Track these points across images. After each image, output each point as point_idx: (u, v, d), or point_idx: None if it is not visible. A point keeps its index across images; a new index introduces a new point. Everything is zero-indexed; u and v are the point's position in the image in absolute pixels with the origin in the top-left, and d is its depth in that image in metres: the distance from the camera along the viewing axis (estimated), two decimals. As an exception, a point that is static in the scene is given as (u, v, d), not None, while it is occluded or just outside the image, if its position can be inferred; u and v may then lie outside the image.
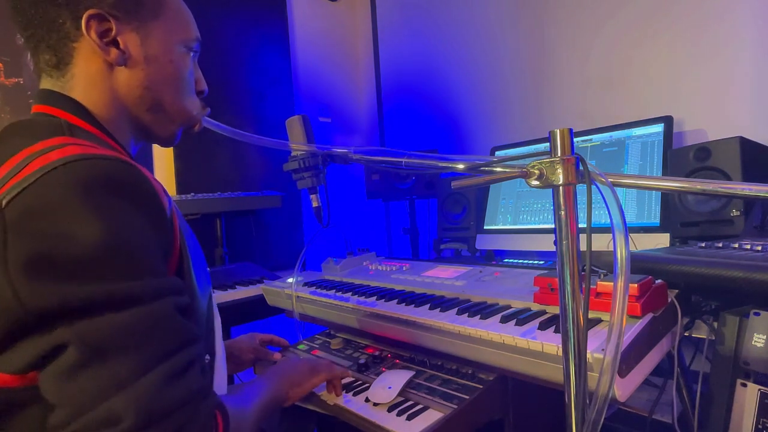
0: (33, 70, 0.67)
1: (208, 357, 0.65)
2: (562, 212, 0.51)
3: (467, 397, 0.85)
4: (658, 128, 1.32)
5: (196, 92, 0.77)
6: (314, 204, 0.95)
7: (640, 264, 0.81)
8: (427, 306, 0.98)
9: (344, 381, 1.00)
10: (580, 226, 0.51)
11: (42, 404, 0.51)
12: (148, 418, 0.47)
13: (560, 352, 0.69)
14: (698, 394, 0.83)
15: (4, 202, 0.48)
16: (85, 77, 0.65)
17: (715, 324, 0.77)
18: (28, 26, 0.64)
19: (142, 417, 0.47)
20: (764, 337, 0.68)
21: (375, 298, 1.09)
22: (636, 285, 0.72)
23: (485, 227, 1.66)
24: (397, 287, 1.17)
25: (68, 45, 0.63)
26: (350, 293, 1.17)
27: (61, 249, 0.47)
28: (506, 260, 1.53)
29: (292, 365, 0.93)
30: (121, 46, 0.65)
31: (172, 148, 1.87)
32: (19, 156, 0.53)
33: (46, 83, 0.66)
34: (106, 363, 0.48)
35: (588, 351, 0.57)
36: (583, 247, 0.51)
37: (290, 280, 1.36)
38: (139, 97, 0.68)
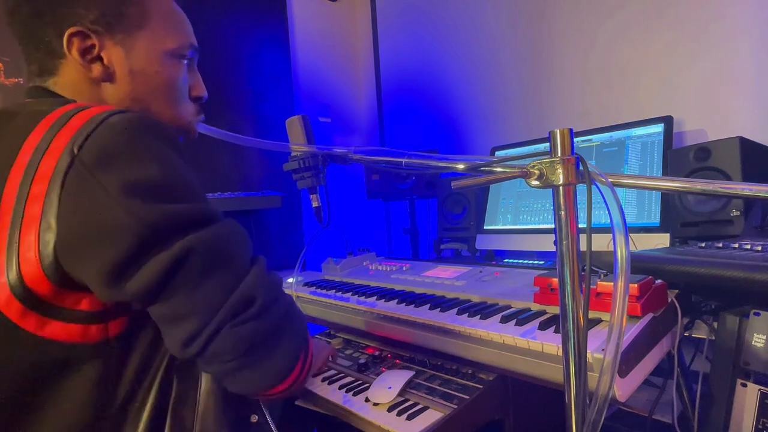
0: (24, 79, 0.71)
1: None
2: (562, 212, 0.51)
3: (467, 397, 0.85)
4: (658, 128, 1.32)
5: (193, 98, 0.77)
6: (314, 204, 0.95)
7: (640, 264, 0.81)
8: (427, 306, 0.98)
9: (344, 381, 1.00)
10: (580, 226, 0.51)
11: (99, 362, 0.55)
12: (273, 292, 0.58)
13: (560, 352, 0.70)
14: (698, 394, 0.83)
15: (75, 149, 0.51)
16: (71, 87, 0.66)
17: (715, 324, 0.77)
18: (22, 38, 0.66)
19: (269, 292, 0.57)
20: (764, 337, 0.69)
21: (375, 298, 1.09)
22: (636, 285, 0.72)
23: (485, 227, 1.66)
24: (397, 287, 1.17)
25: (54, 61, 0.65)
26: (350, 293, 1.17)
27: (146, 180, 0.53)
28: (506, 260, 1.53)
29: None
30: (105, 61, 0.65)
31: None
32: (53, 115, 0.56)
33: (34, 84, 0.68)
34: (224, 262, 0.55)
35: (588, 351, 0.57)
36: (583, 247, 0.51)
37: (290, 280, 1.36)
38: (127, 108, 0.67)
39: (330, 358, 1.04)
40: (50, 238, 0.50)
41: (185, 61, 0.73)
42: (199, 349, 0.54)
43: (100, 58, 0.65)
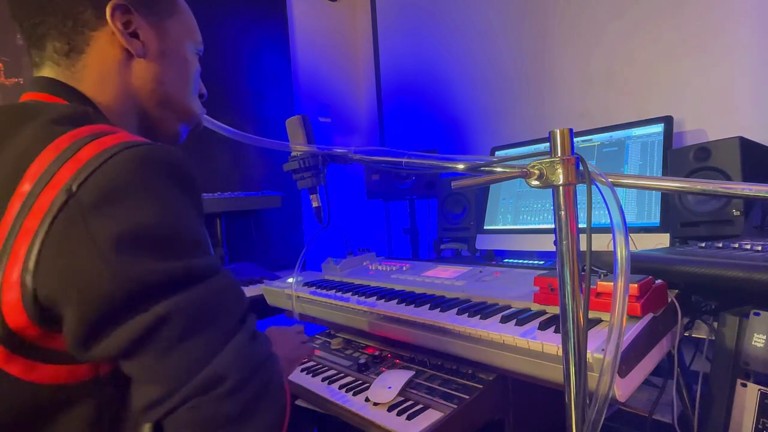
0: (32, 62, 0.65)
1: None
2: (562, 212, 0.51)
3: (467, 397, 0.85)
4: (658, 128, 1.32)
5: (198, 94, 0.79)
6: (314, 204, 0.95)
7: (640, 264, 0.81)
8: (427, 306, 0.98)
9: (344, 381, 1.00)
10: (580, 226, 0.51)
11: (91, 402, 0.52)
12: (248, 372, 0.51)
13: (560, 352, 0.70)
14: (698, 394, 0.83)
15: (74, 187, 0.48)
16: (99, 68, 0.64)
17: (715, 324, 0.77)
18: (39, 12, 0.62)
19: (243, 372, 0.50)
20: (764, 337, 0.69)
21: (375, 298, 1.09)
22: (636, 285, 0.72)
23: (485, 227, 1.66)
24: (397, 287, 1.17)
25: (85, 33, 0.63)
26: (350, 293, 1.17)
27: (142, 229, 0.49)
28: (506, 260, 1.53)
29: (283, 347, 0.88)
30: (141, 38, 0.66)
31: (172, 148, 1.87)
32: (63, 140, 0.52)
33: (49, 71, 0.64)
34: (202, 331, 0.50)
35: (588, 351, 0.57)
36: (583, 247, 0.51)
37: (290, 280, 1.36)
38: (151, 90, 0.68)
39: (306, 358, 0.98)
40: (29, 281, 0.47)
41: (198, 57, 0.76)
42: (159, 417, 0.49)
43: (136, 35, 0.65)
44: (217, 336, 0.51)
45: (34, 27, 0.63)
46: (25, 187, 0.49)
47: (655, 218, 1.25)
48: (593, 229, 0.49)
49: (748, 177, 1.05)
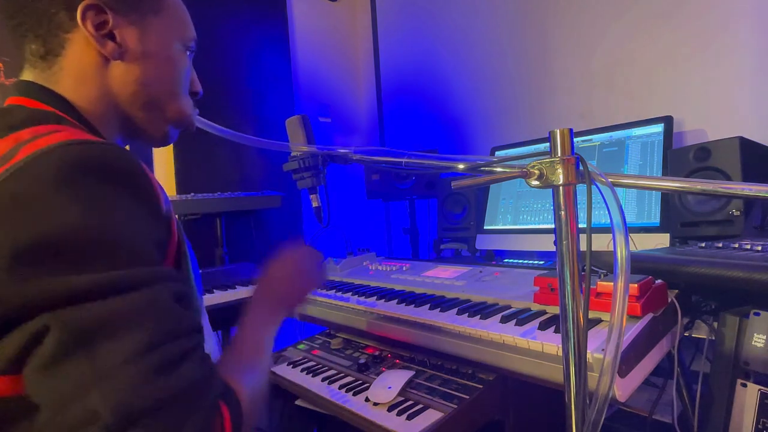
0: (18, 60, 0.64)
1: None
2: (562, 212, 0.51)
3: (467, 397, 0.85)
4: (658, 128, 1.32)
5: (191, 93, 0.75)
6: (314, 204, 0.95)
7: (640, 264, 0.81)
8: (427, 306, 0.98)
9: (344, 381, 1.00)
10: (580, 226, 0.51)
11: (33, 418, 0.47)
12: (127, 417, 0.42)
13: (560, 352, 0.70)
14: (698, 394, 0.83)
15: None
16: (76, 70, 0.62)
17: (715, 324, 0.77)
18: (16, 14, 0.60)
19: (120, 415, 0.42)
20: (764, 337, 0.68)
21: (375, 298, 1.09)
22: (636, 285, 0.72)
23: (485, 227, 1.66)
24: (397, 287, 1.17)
25: (60, 36, 0.60)
26: (350, 293, 1.17)
27: (45, 238, 0.44)
28: (506, 260, 1.53)
29: (284, 283, 0.81)
30: (118, 39, 0.62)
31: (172, 148, 1.87)
32: (7, 143, 0.50)
33: (28, 74, 0.62)
34: (87, 353, 0.43)
35: (588, 351, 0.57)
36: (583, 247, 0.51)
37: (290, 280, 1.36)
38: (132, 93, 0.65)
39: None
40: None
41: (189, 54, 0.73)
42: None
43: (112, 36, 0.62)
44: (105, 361, 0.43)
45: (14, 29, 0.62)
46: None
47: (655, 218, 1.25)
48: (593, 229, 0.49)
49: (748, 177, 1.05)
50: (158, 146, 0.77)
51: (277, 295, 0.80)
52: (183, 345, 0.48)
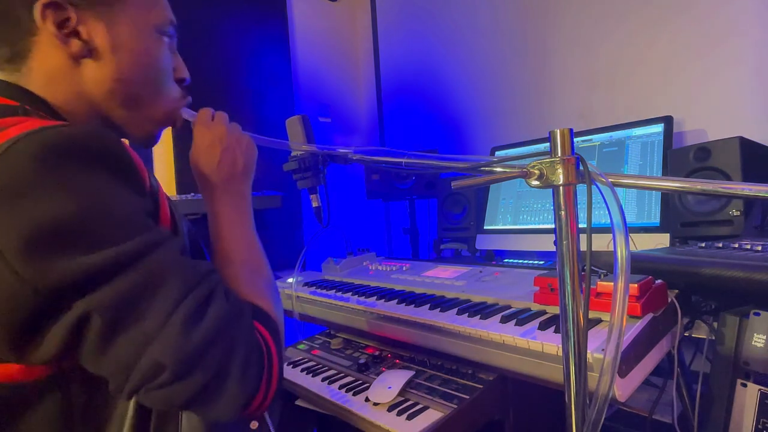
0: None
1: None
2: (562, 212, 0.51)
3: (467, 397, 0.85)
4: (658, 128, 1.32)
5: (177, 80, 0.71)
6: (314, 204, 0.95)
7: (640, 264, 0.81)
8: (427, 306, 0.98)
9: (344, 381, 1.00)
10: (580, 226, 0.51)
11: (56, 396, 0.51)
12: (188, 360, 0.48)
13: (560, 352, 0.70)
14: (698, 394, 0.83)
15: None
16: (45, 72, 0.58)
17: (715, 324, 0.77)
18: None
19: (181, 359, 0.47)
20: (764, 337, 0.68)
21: (375, 298, 1.09)
22: (636, 285, 0.72)
23: (485, 227, 1.66)
24: (397, 287, 1.17)
25: (26, 38, 0.57)
26: (350, 293, 1.17)
27: (49, 224, 0.44)
28: (506, 260, 1.53)
29: (214, 158, 0.73)
30: (84, 36, 0.58)
31: (172, 148, 1.86)
32: None
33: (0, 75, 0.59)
34: (130, 322, 0.47)
35: (588, 351, 0.57)
36: (583, 247, 0.51)
37: (290, 280, 1.36)
38: (109, 91, 0.62)
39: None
40: None
41: (167, 39, 0.68)
42: (128, 397, 0.50)
43: (77, 33, 0.58)
44: (148, 323, 0.47)
45: None
46: None
47: (655, 218, 1.25)
48: (593, 229, 0.49)
49: (748, 177, 1.05)
50: (145, 147, 0.73)
51: (220, 176, 0.73)
52: (207, 285, 0.53)
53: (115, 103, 0.63)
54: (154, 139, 0.72)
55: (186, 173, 1.93)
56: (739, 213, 1.04)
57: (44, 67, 0.59)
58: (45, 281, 0.44)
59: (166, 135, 1.85)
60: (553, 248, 0.59)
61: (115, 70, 0.61)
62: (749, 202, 1.04)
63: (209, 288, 0.53)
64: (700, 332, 0.86)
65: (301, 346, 1.24)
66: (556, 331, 0.76)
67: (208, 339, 0.49)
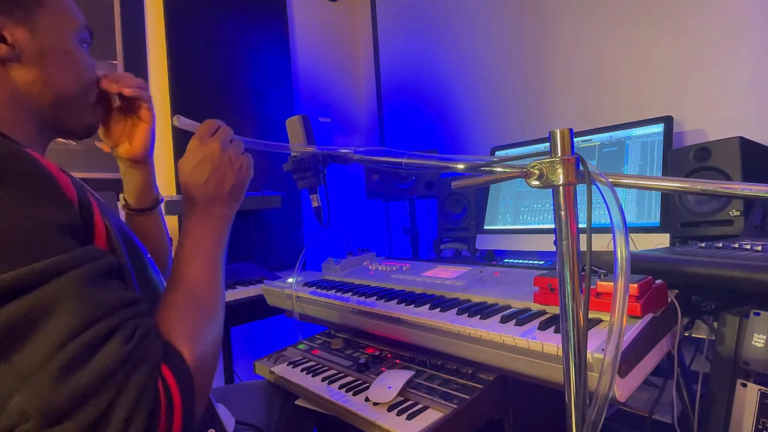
0: None
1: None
2: (562, 212, 0.51)
3: (467, 397, 0.85)
4: (658, 128, 1.32)
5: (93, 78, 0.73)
6: (314, 204, 0.95)
7: (640, 264, 0.81)
8: (427, 306, 0.98)
9: (344, 381, 1.00)
10: (580, 226, 0.51)
11: None
12: (56, 411, 0.43)
13: (560, 352, 0.69)
14: (698, 394, 0.83)
15: None
16: None
17: (715, 324, 0.77)
18: None
19: (47, 412, 0.43)
20: (764, 337, 0.68)
21: (375, 298, 1.09)
22: (636, 285, 0.72)
23: (485, 227, 1.66)
24: (397, 287, 1.17)
25: None
26: (350, 293, 1.17)
27: None
28: (506, 260, 1.53)
29: (201, 175, 0.68)
30: (9, 40, 0.60)
31: (171, 148, 1.86)
32: None
33: None
34: (10, 355, 0.44)
35: (588, 351, 0.57)
36: (583, 247, 0.51)
37: (290, 280, 1.36)
38: (39, 92, 0.63)
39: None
40: None
41: (85, 45, 0.70)
42: None
43: (3, 38, 0.59)
44: (27, 361, 0.44)
45: None
46: None
47: (655, 218, 1.25)
48: (593, 229, 0.49)
49: (748, 177, 1.05)
50: (83, 138, 0.74)
51: (204, 193, 0.68)
52: (104, 326, 0.47)
53: (47, 104, 0.65)
54: (92, 130, 0.74)
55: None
56: (739, 213, 1.04)
57: None
58: None
59: (166, 135, 1.86)
60: (553, 248, 0.59)
61: (42, 72, 0.63)
62: (749, 202, 1.04)
63: (110, 326, 0.48)
64: (700, 332, 0.86)
65: (301, 346, 1.24)
66: (556, 331, 0.76)
67: (87, 387, 0.44)
